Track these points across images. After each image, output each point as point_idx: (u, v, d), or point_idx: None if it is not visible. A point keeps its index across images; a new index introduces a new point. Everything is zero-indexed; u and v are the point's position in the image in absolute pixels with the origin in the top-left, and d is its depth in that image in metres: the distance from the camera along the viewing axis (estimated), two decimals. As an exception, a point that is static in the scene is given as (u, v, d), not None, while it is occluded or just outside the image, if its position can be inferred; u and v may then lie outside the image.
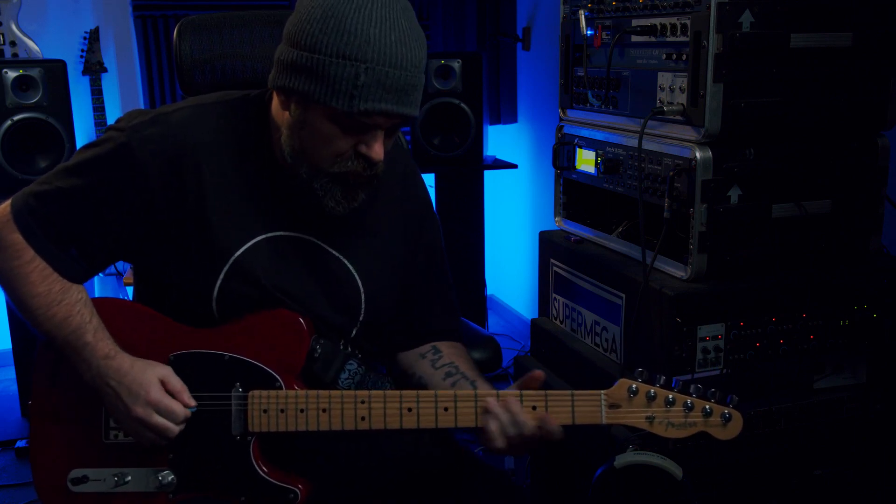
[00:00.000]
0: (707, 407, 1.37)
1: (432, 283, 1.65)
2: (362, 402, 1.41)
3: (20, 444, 3.19)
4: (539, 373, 1.40)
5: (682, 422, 1.37)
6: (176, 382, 1.43)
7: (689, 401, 1.37)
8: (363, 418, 1.41)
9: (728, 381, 1.79)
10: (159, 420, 1.40)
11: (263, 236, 1.46)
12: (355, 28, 1.28)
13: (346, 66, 1.28)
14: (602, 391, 1.38)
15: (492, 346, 1.87)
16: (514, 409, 1.37)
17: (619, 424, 1.39)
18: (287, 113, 1.38)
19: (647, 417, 1.38)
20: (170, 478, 1.46)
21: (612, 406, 1.38)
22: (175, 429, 1.42)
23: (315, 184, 1.40)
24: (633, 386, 1.37)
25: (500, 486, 1.61)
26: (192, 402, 1.43)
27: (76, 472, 1.47)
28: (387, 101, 1.31)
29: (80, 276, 1.46)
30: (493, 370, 1.88)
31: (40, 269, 1.42)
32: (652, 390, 1.37)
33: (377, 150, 1.36)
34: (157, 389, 1.41)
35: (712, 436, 1.38)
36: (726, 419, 1.37)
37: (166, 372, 1.44)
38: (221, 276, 1.44)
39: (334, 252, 1.51)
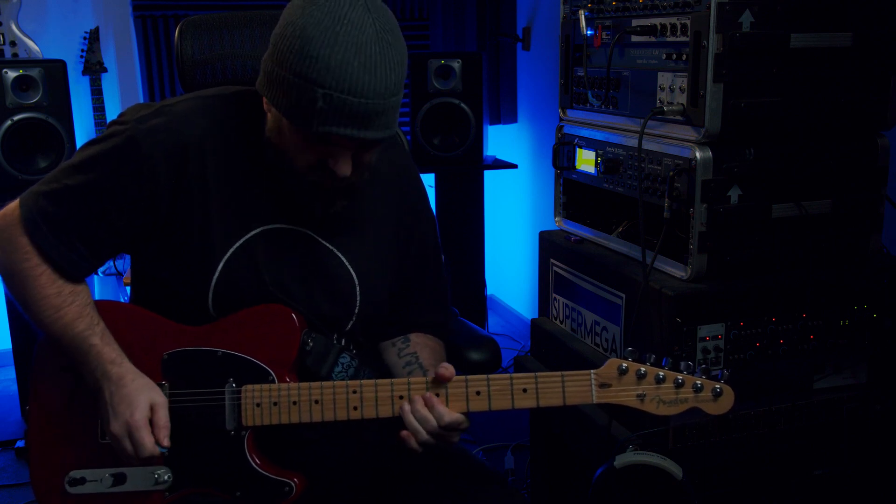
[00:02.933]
0: (698, 383, 1.37)
1: (421, 276, 1.66)
2: (354, 392, 1.41)
3: (20, 444, 3.19)
4: (447, 366, 1.41)
5: (673, 398, 1.38)
6: (162, 417, 1.42)
7: (679, 377, 1.37)
8: (355, 407, 1.41)
9: (728, 381, 1.79)
10: (126, 444, 1.40)
11: (260, 229, 1.48)
12: (317, 52, 1.26)
13: (306, 88, 1.27)
14: (592, 370, 1.39)
15: (492, 347, 1.87)
16: (431, 403, 1.39)
17: (609, 403, 1.39)
18: (270, 116, 1.40)
19: (637, 395, 1.38)
20: (166, 476, 1.46)
21: (602, 385, 1.38)
22: (133, 461, 1.41)
23: (294, 188, 1.42)
24: (623, 365, 1.38)
25: (498, 486, 1.61)
26: (165, 443, 1.42)
27: (73, 474, 1.47)
28: (345, 127, 1.29)
29: (86, 272, 1.47)
30: (493, 370, 1.88)
31: (50, 272, 1.43)
32: (642, 368, 1.38)
33: (342, 168, 1.35)
34: (142, 417, 1.40)
35: (704, 411, 1.38)
36: (717, 394, 1.37)
37: (160, 402, 1.43)
38: (219, 267, 1.46)
39: (329, 246, 1.52)
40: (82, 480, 1.47)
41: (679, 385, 1.37)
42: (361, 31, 1.27)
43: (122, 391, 1.41)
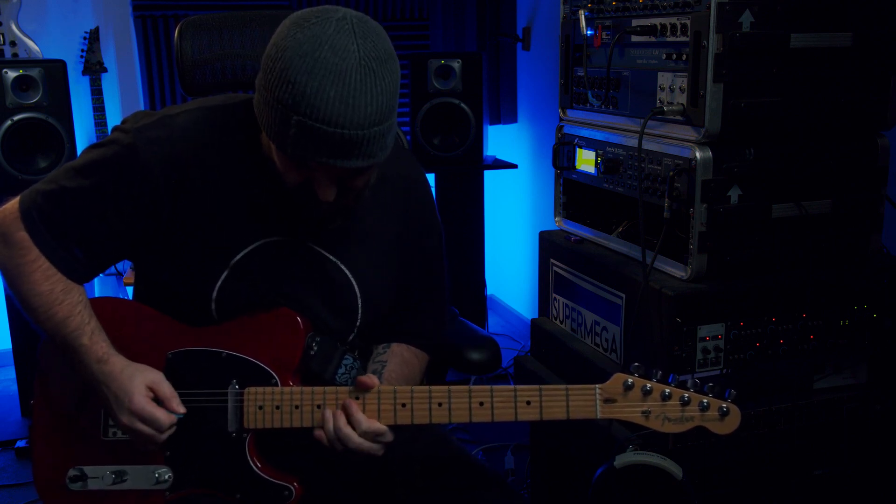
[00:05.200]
0: (704, 401, 1.36)
1: (420, 289, 1.65)
2: (357, 398, 1.41)
3: (20, 444, 3.19)
4: (369, 378, 1.41)
5: (678, 416, 1.37)
6: (165, 389, 1.43)
7: (685, 395, 1.36)
8: None
9: (728, 381, 1.79)
10: (143, 428, 1.41)
11: (263, 241, 1.47)
12: (294, 78, 1.23)
13: (282, 112, 1.25)
14: (597, 385, 1.38)
15: (492, 347, 1.87)
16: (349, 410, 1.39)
17: (614, 419, 1.39)
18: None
19: (642, 412, 1.37)
20: (167, 475, 1.46)
21: (606, 400, 1.38)
22: (159, 437, 1.42)
23: (292, 201, 1.41)
24: (629, 380, 1.37)
25: (497, 487, 1.61)
26: (180, 410, 1.43)
27: (75, 470, 1.48)
28: (321, 154, 1.26)
29: (83, 275, 1.47)
30: (493, 370, 1.88)
31: (44, 269, 1.42)
32: (648, 385, 1.37)
33: (324, 193, 1.33)
34: (141, 398, 1.41)
35: (710, 430, 1.37)
36: (723, 413, 1.36)
37: (156, 378, 1.44)
38: (221, 279, 1.46)
39: (332, 257, 1.52)
40: (84, 477, 1.48)
41: (685, 403, 1.36)
42: (343, 58, 1.23)
43: (115, 385, 1.42)
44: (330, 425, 1.39)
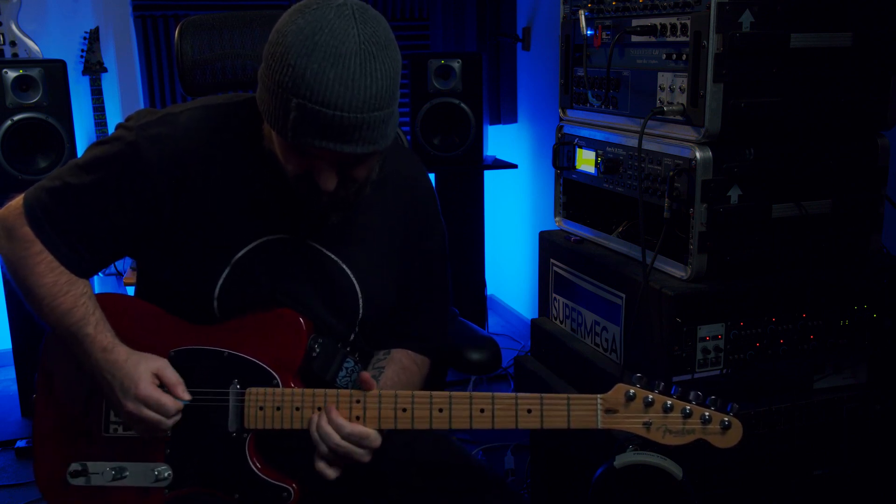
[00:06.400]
0: (706, 414, 1.35)
1: (421, 291, 1.64)
2: (357, 402, 1.41)
3: (20, 444, 3.19)
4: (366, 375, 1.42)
5: (679, 428, 1.36)
6: (171, 375, 1.45)
7: (687, 407, 1.35)
8: (358, 417, 1.41)
9: (728, 381, 1.79)
10: (150, 414, 1.42)
11: (265, 238, 1.47)
12: (294, 61, 1.23)
13: (282, 96, 1.25)
14: (598, 395, 1.37)
15: (492, 347, 1.87)
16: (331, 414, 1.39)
17: (615, 430, 1.38)
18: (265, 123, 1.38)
19: (643, 423, 1.37)
20: (166, 473, 1.47)
21: (608, 411, 1.37)
22: (167, 422, 1.43)
23: (295, 196, 1.41)
24: (631, 391, 1.36)
25: (497, 488, 1.61)
26: (186, 396, 1.44)
27: (75, 465, 1.49)
28: (321, 138, 1.26)
29: (85, 270, 1.48)
30: (493, 370, 1.88)
31: (48, 262, 1.43)
32: (650, 396, 1.36)
33: (325, 181, 1.33)
34: (147, 384, 1.42)
35: (711, 443, 1.36)
36: (725, 427, 1.35)
37: (161, 364, 1.45)
38: (222, 277, 1.46)
39: (333, 256, 1.52)
40: (84, 472, 1.49)
41: (687, 415, 1.35)
42: (343, 41, 1.23)
43: (121, 373, 1.42)
44: (313, 425, 1.40)
